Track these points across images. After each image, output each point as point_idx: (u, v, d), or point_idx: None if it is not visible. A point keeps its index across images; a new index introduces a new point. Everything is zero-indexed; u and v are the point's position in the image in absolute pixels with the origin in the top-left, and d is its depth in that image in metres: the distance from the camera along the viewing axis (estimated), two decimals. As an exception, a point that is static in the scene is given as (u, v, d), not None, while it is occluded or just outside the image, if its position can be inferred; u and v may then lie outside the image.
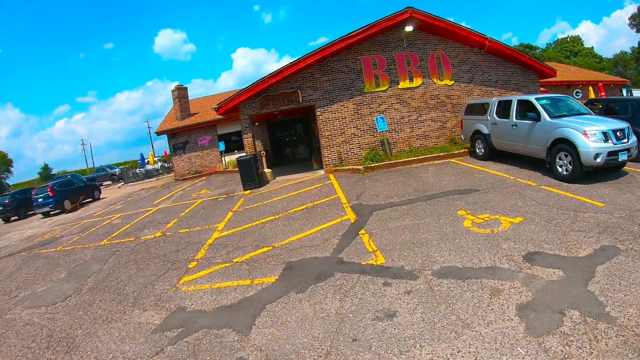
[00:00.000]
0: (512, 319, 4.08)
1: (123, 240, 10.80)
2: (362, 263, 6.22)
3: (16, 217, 24.47)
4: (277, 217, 9.92)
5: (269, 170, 16.23)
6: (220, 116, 22.04)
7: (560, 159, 9.44)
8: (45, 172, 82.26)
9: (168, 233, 10.57)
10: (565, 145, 9.20)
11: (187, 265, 7.57)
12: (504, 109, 12.09)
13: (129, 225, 12.85)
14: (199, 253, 8.22)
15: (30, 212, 24.23)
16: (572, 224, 6.53)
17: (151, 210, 15.07)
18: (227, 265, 7.18)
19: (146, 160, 39.95)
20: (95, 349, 4.99)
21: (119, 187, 34.19)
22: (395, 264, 5.98)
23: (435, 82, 16.33)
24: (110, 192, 29.99)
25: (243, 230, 9.28)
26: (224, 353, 4.36)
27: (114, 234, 11.80)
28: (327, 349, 4.08)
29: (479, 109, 13.66)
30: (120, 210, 17.18)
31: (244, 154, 15.60)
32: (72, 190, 23.87)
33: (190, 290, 6.35)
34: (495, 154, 12.87)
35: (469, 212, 7.91)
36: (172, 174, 30.23)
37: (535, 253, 5.60)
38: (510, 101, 11.68)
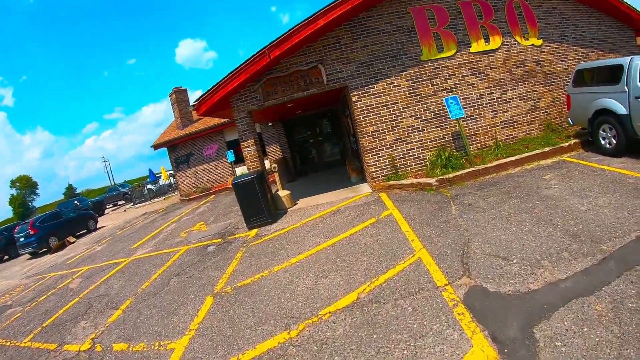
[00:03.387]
0: None
1: (43, 345, 6.48)
2: None
3: (7, 257, 21.29)
4: (293, 334, 4.46)
5: (286, 192, 10.72)
6: (226, 119, 16.91)
7: None
8: (70, 192, 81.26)
9: (97, 348, 5.66)
10: None
11: None
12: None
13: (77, 299, 8.50)
14: None
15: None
16: None
17: (121, 263, 10.35)
18: None
19: (157, 175, 35.42)
20: None
21: (125, 210, 29.87)
22: None
23: (519, 42, 10.81)
24: (112, 218, 25.72)
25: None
26: None
27: (47, 322, 7.59)
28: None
29: (602, 76, 8.54)
30: (94, 257, 12.75)
31: (246, 173, 10.25)
32: (58, 224, 19.92)
33: None
34: (633, 146, 7.92)
35: None
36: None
37: None
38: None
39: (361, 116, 9.96)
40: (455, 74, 10.23)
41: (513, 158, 9.18)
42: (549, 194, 6.70)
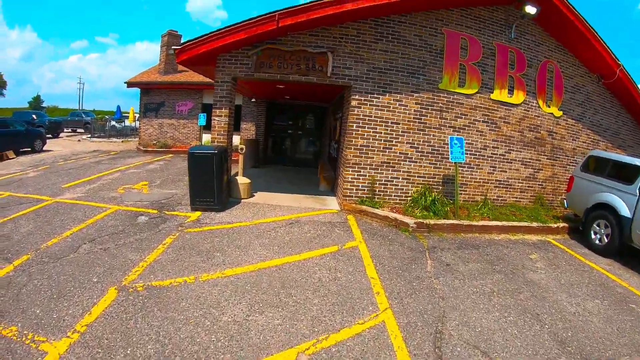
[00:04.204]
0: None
1: None
2: None
3: None
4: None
5: (246, 181, 9.39)
6: (210, 80, 15.30)
7: None
8: (36, 103, 76.67)
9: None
10: None
11: None
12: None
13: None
14: None
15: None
16: None
17: (43, 202, 8.54)
18: None
19: (124, 114, 33.18)
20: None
21: (80, 140, 27.51)
22: None
23: (540, 106, 10.10)
24: (63, 145, 23.36)
25: None
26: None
27: None
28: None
29: (615, 171, 8.21)
30: (21, 184, 10.61)
31: (209, 144, 8.90)
32: (3, 133, 17.31)
33: None
34: (624, 250, 7.53)
35: None
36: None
37: None
38: None
39: (355, 125, 8.78)
40: (467, 115, 9.25)
41: (499, 223, 8.39)
42: (535, 279, 5.98)
